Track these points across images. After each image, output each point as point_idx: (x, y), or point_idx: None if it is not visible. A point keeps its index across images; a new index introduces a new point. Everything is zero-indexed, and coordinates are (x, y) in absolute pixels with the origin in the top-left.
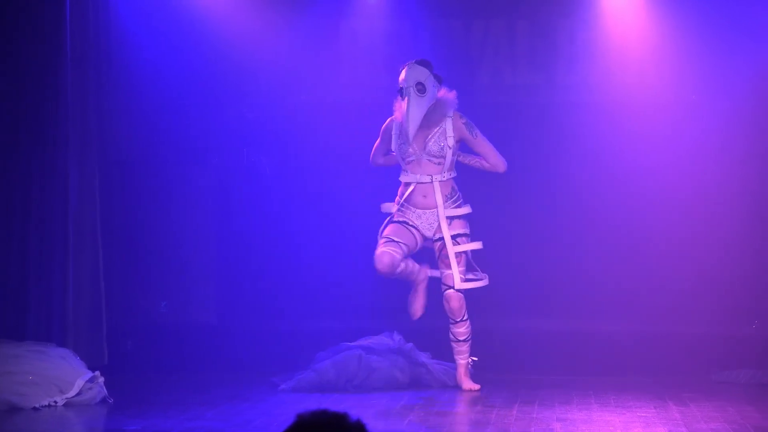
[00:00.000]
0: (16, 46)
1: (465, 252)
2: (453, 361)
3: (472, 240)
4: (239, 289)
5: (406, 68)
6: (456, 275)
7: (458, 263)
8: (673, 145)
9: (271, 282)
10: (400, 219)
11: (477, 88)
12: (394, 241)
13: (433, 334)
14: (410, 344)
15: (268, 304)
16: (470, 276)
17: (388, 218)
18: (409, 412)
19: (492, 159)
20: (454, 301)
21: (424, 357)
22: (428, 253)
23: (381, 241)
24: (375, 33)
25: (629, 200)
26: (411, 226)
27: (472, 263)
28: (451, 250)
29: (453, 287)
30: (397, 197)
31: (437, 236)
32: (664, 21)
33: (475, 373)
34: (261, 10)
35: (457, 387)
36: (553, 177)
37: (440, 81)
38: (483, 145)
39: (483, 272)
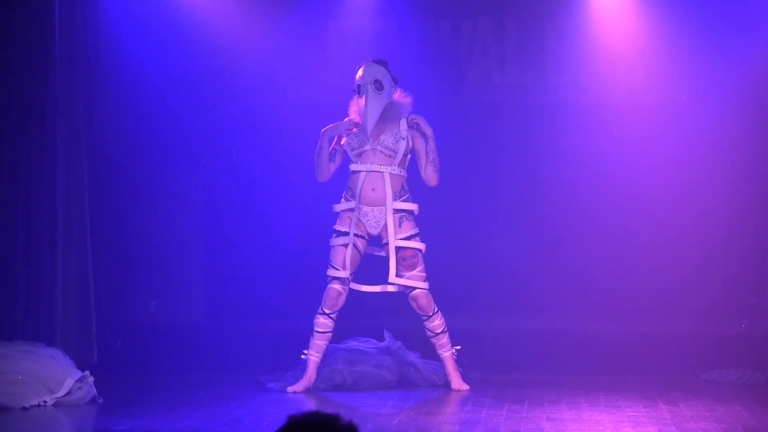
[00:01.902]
0: (4, 47)
1: (420, 250)
2: (441, 360)
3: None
4: (228, 289)
5: (363, 66)
6: (392, 269)
7: (416, 263)
8: (661, 145)
9: (259, 281)
10: (344, 234)
11: (465, 88)
12: (342, 277)
13: (423, 333)
14: (398, 343)
15: (256, 304)
16: (419, 271)
17: (334, 235)
18: (399, 412)
19: (431, 167)
20: (421, 298)
21: (412, 356)
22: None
23: (332, 272)
24: (363, 32)
25: (617, 200)
26: (357, 236)
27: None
28: (393, 244)
29: (404, 286)
30: (346, 192)
31: (386, 239)
32: (653, 21)
33: (463, 373)
34: (248, 10)
35: (446, 386)
36: (541, 177)
37: (396, 81)
38: (432, 150)
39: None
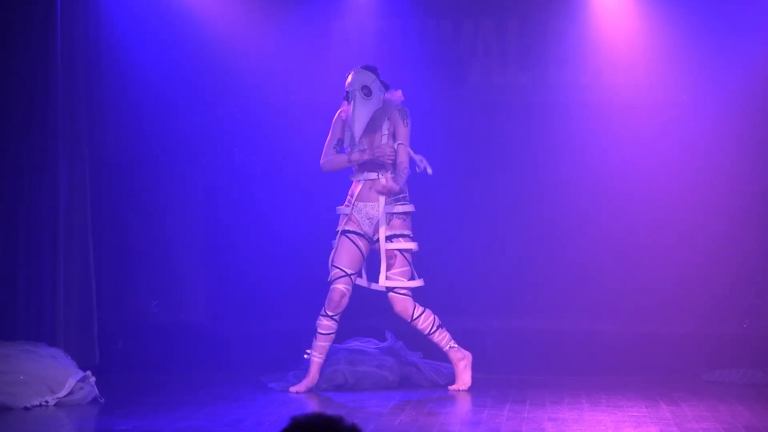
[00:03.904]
0: (6, 46)
1: (407, 252)
2: (444, 360)
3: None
4: (229, 289)
5: (352, 73)
6: (382, 272)
7: (393, 264)
8: (662, 146)
9: (261, 282)
10: (346, 231)
11: (466, 88)
12: (345, 274)
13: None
14: (400, 343)
15: (258, 304)
16: (397, 274)
17: (337, 233)
18: (400, 412)
19: (401, 157)
20: (396, 305)
21: (414, 356)
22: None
23: (334, 273)
24: (364, 32)
25: (618, 200)
26: (355, 234)
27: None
28: (383, 246)
29: (389, 289)
30: (348, 196)
31: (376, 237)
32: (654, 21)
33: None
34: (250, 10)
35: (448, 386)
36: (542, 177)
37: (387, 87)
38: (405, 139)
39: (418, 277)
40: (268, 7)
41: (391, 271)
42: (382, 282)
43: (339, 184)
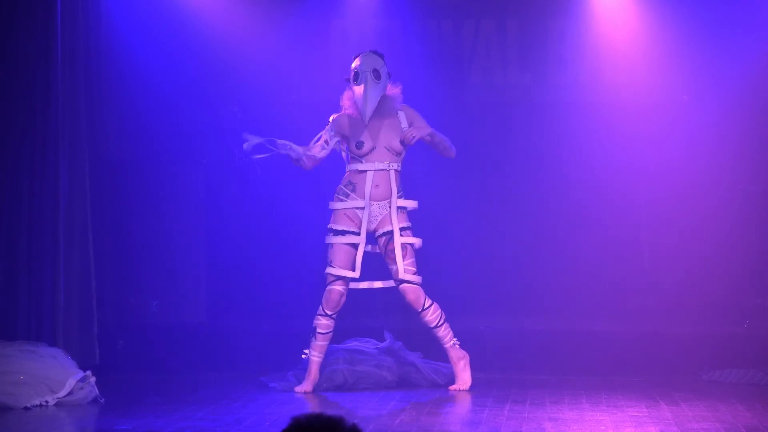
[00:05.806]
0: (6, 46)
1: (411, 245)
2: (443, 361)
3: (415, 236)
4: (230, 289)
5: (361, 56)
6: (400, 266)
7: (404, 255)
8: (663, 146)
9: (262, 281)
10: (346, 231)
11: (467, 88)
12: (342, 277)
13: (424, 333)
14: (399, 343)
15: (259, 304)
16: (408, 265)
17: (331, 234)
18: (400, 412)
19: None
20: (410, 294)
21: (413, 356)
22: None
23: (330, 276)
24: (365, 33)
25: (619, 200)
26: (353, 234)
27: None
28: (398, 240)
29: (404, 281)
30: (348, 191)
31: (381, 231)
32: (655, 21)
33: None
34: (252, 10)
35: (447, 386)
36: (542, 177)
37: (389, 76)
38: (431, 130)
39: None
40: (269, 7)
41: (404, 263)
42: (401, 275)
43: (339, 183)
